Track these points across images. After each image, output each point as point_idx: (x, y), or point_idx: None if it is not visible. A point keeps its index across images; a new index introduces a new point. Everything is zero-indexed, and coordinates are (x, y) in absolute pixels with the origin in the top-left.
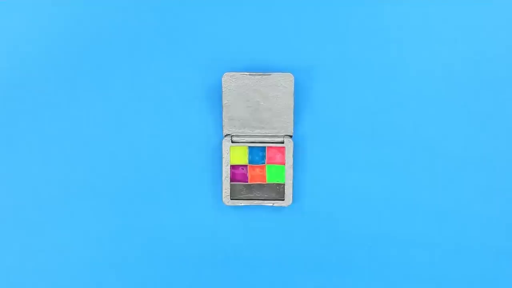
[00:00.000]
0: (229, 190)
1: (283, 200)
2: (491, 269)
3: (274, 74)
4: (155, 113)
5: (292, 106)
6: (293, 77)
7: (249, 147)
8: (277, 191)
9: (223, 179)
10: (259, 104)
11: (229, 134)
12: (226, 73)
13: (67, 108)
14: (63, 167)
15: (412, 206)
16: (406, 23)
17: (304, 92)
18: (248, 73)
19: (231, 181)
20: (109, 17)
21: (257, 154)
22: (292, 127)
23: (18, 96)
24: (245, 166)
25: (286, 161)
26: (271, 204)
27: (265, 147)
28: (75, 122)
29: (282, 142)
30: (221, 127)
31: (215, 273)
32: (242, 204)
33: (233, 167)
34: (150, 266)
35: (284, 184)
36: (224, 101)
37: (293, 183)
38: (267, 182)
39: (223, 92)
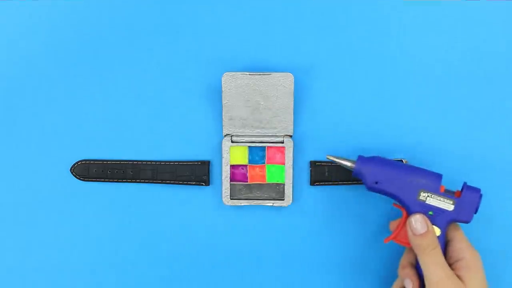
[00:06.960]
0: (229, 190)
1: (283, 200)
2: None
3: (274, 74)
4: (155, 113)
5: (292, 106)
6: (293, 77)
7: (249, 147)
8: (277, 191)
9: (223, 179)
10: (259, 104)
11: (229, 134)
12: (226, 73)
13: (67, 106)
14: (63, 167)
15: None
16: (405, 23)
17: (304, 92)
18: (248, 73)
19: (231, 181)
20: (110, 17)
21: (257, 154)
22: (292, 127)
23: (18, 94)
24: (245, 166)
25: (286, 161)
26: (271, 204)
27: (265, 147)
28: (75, 120)
29: (282, 142)
30: (221, 127)
31: (215, 273)
32: (242, 204)
33: (233, 167)
34: (150, 265)
35: (284, 184)
36: (224, 101)
37: (293, 183)
38: (267, 182)
39: (223, 92)
